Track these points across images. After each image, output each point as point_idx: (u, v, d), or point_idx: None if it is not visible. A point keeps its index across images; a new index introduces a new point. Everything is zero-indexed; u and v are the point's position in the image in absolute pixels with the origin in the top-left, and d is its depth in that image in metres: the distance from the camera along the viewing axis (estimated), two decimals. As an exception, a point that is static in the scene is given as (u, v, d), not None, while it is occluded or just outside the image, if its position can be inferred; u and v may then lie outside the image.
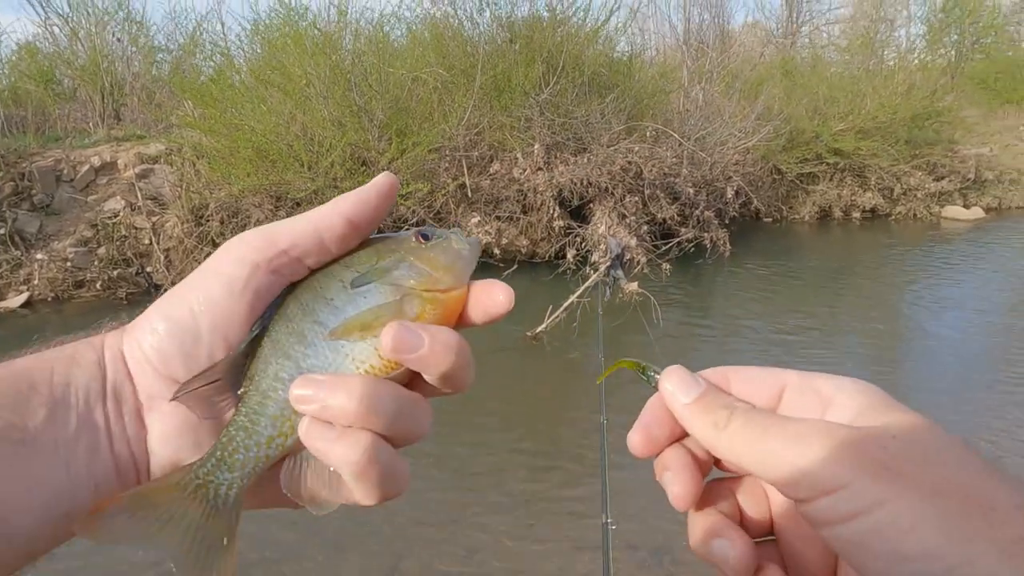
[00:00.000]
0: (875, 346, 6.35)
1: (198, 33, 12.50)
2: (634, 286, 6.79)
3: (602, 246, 7.50)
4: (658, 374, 0.45)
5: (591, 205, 8.35)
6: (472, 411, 5.06)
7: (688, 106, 10.11)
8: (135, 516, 0.40)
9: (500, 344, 6.27)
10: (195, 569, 0.41)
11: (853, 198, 11.85)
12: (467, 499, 3.84)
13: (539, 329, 6.27)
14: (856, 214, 11.89)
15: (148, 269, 8.11)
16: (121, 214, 8.38)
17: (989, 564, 0.32)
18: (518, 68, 8.50)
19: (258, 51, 9.67)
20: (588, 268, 7.35)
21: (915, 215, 11.85)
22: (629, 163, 8.23)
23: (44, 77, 11.27)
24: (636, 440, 0.45)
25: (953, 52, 23.15)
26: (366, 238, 0.48)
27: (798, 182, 11.79)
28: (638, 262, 7.50)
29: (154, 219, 8.40)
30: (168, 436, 0.43)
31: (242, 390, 0.44)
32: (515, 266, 8.43)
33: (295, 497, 0.44)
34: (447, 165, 8.23)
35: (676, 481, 0.43)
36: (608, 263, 7.15)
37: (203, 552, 0.42)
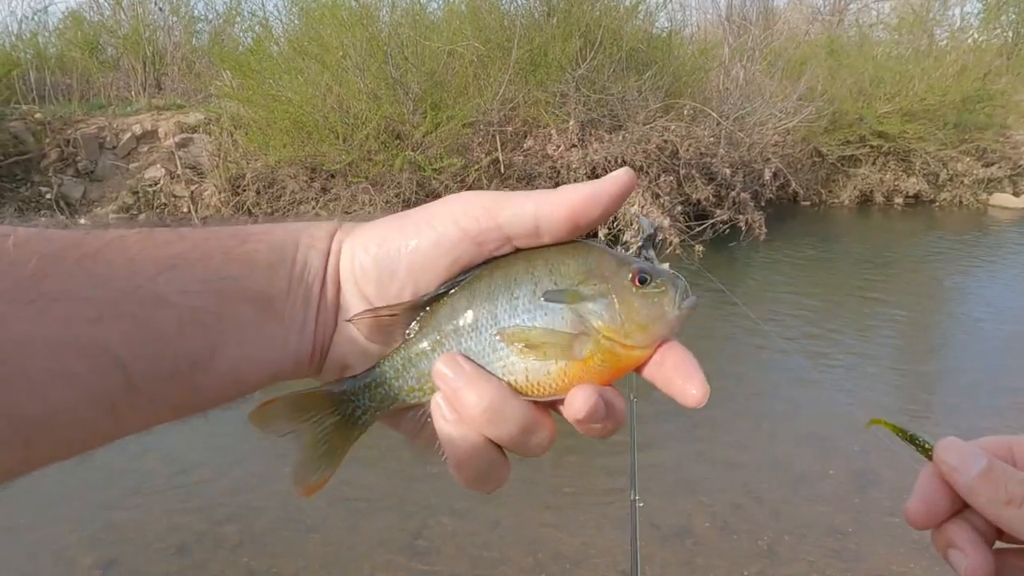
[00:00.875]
0: (911, 338, 6.21)
1: (237, 3, 12.59)
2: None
3: (635, 225, 7.43)
4: (928, 444, 0.45)
5: (625, 184, 8.26)
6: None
7: (728, 84, 9.88)
8: (290, 414, 0.48)
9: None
10: (311, 465, 0.49)
11: (896, 183, 11.51)
12: (492, 472, 3.88)
13: (568, 307, 6.26)
14: (898, 200, 11.56)
15: (187, 237, 8.28)
16: (161, 182, 8.56)
17: None
18: (555, 42, 8.38)
19: (296, 22, 9.70)
20: (620, 247, 7.28)
21: (961, 202, 11.47)
22: (665, 142, 8.10)
23: (89, 45, 11.49)
24: (917, 513, 0.44)
25: (1010, 32, 22.14)
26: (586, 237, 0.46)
27: (839, 165, 11.48)
28: (671, 243, 7.42)
29: (192, 188, 8.57)
30: (347, 340, 0.47)
31: (410, 334, 0.46)
32: (546, 243, 8.43)
33: (411, 439, 0.48)
34: (481, 140, 8.21)
35: (970, 560, 0.42)
36: (640, 243, 7.05)
37: (322, 454, 0.49)
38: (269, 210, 8.59)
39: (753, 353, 5.85)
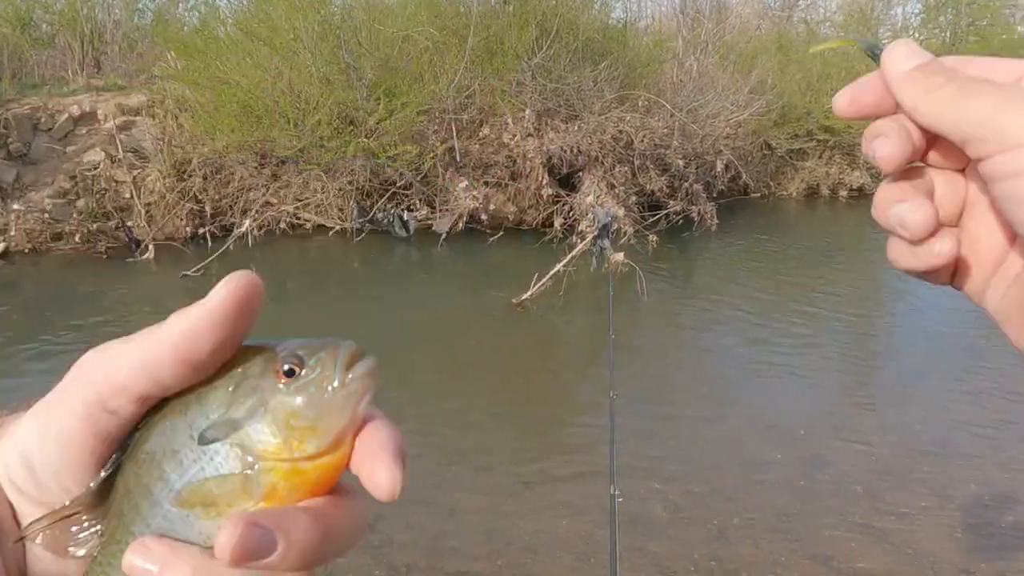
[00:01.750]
0: (854, 324, 6.42)
1: (182, -19, 12.10)
2: (620, 256, 6.80)
3: (590, 215, 7.47)
4: (880, 49, 0.43)
5: (580, 174, 8.30)
6: (455, 378, 5.08)
7: (682, 77, 10.01)
8: None
9: (485, 311, 6.28)
10: None
11: (841, 176, 11.88)
12: (450, 463, 3.87)
13: (524, 297, 6.27)
14: (843, 192, 11.94)
15: (129, 223, 7.96)
16: (101, 166, 8.19)
17: None
18: (511, 31, 8.34)
19: (244, 2, 9.39)
20: (575, 237, 7.33)
21: (902, 195, 11.92)
22: (620, 132, 8.16)
23: (21, 21, 10.87)
24: (842, 99, 0.43)
25: (948, 33, 23.06)
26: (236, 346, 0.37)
27: (787, 158, 11.78)
28: (625, 233, 7.49)
29: (135, 173, 8.23)
30: (44, 562, 0.39)
31: (101, 534, 0.38)
32: (502, 232, 8.41)
33: None
34: (436, 128, 8.12)
35: (887, 143, 0.41)
36: (595, 233, 7.14)
37: None
38: (217, 197, 8.32)
39: (706, 342, 5.97)
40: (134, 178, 8.15)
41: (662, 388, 4.87)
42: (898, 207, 0.41)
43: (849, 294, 7.28)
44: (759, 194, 11.84)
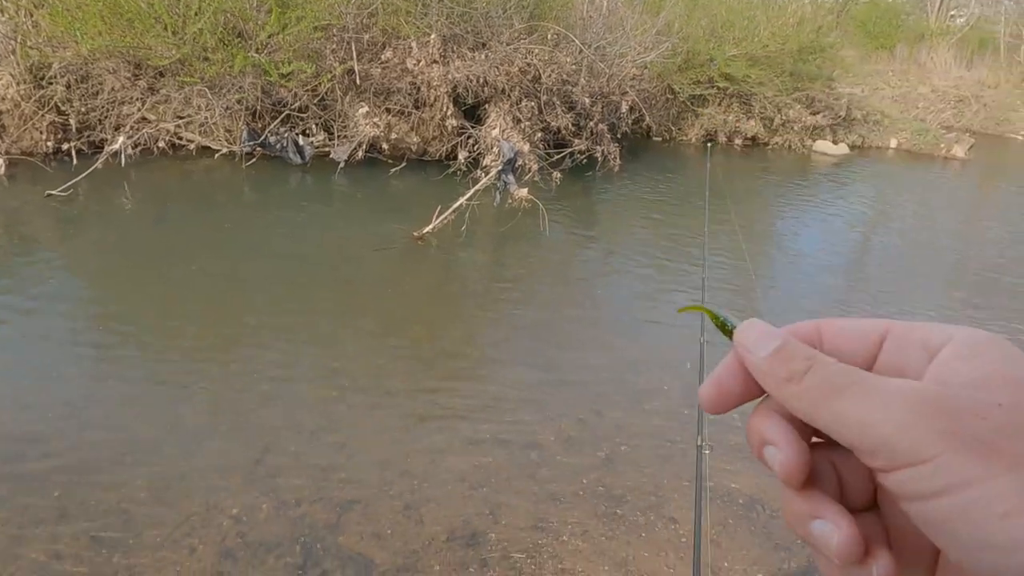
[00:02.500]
0: (742, 262, 6.76)
1: None
2: (524, 192, 6.75)
3: (495, 149, 7.33)
4: (733, 326, 0.39)
5: (486, 106, 8.08)
6: (352, 311, 4.92)
7: (591, 12, 9.85)
8: None
9: (384, 243, 6.08)
10: None
11: (738, 124, 12.28)
12: (341, 396, 3.77)
13: (426, 230, 6.13)
14: (738, 141, 12.37)
15: (-24, 134, 7.02)
16: (-62, 65, 7.12)
17: None
18: (418, -53, 7.84)
19: None
20: (479, 171, 7.19)
21: (790, 146, 12.51)
22: (528, 65, 7.97)
23: None
24: (706, 394, 0.39)
25: (841, -7, 24.06)
26: None
27: (689, 104, 12.02)
28: (530, 169, 7.42)
29: (-18, 76, 7.21)
30: None
31: None
32: (404, 163, 8.11)
33: None
34: (335, 47, 7.60)
35: (779, 454, 0.36)
36: (500, 167, 7.03)
37: None
38: (84, 109, 7.47)
39: (602, 279, 6.09)
40: (-19, 82, 7.15)
41: (556, 324, 4.94)
42: (816, 526, 0.36)
43: (736, 234, 7.62)
44: (661, 138, 12.08)
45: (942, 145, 13.74)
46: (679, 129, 12.26)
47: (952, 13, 26.97)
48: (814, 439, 0.38)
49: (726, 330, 0.40)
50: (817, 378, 0.34)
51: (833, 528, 0.35)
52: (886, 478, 0.33)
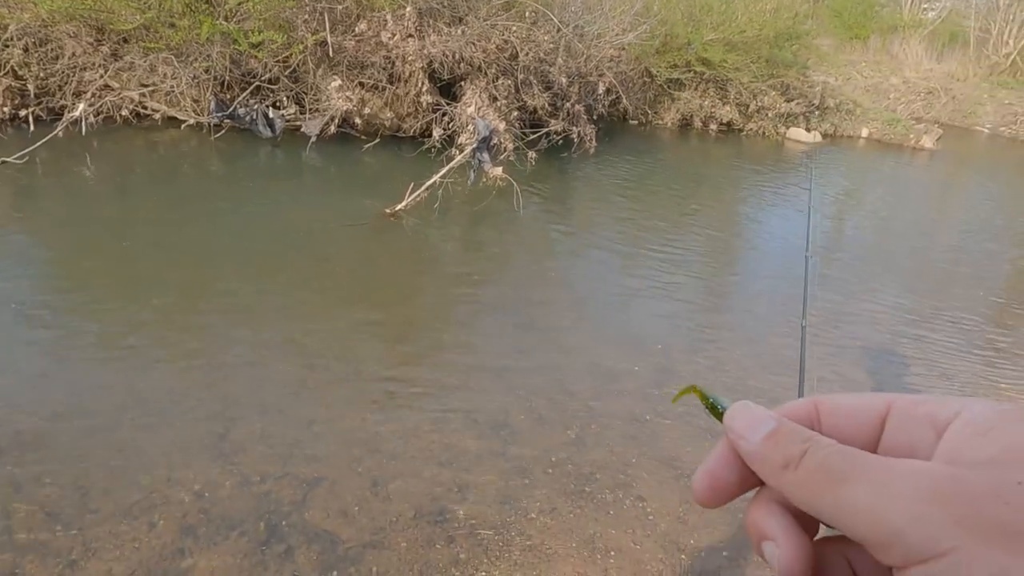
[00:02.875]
0: (713, 249, 6.80)
1: None
2: (499, 171, 6.68)
3: (470, 127, 7.24)
4: (723, 409, 0.37)
5: (462, 84, 7.97)
6: (322, 287, 4.83)
7: (570, -9, 9.74)
8: None
9: (356, 219, 5.98)
10: None
11: (713, 110, 12.32)
12: (311, 372, 3.70)
13: (399, 207, 6.04)
14: (713, 126, 12.42)
15: (-73, 97, 6.71)
16: None
17: None
18: (394, -84, 7.64)
19: None
20: (454, 149, 7.09)
21: (764, 133, 12.60)
22: (505, 42, 7.86)
23: None
24: (699, 487, 0.36)
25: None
26: None
27: (666, 88, 12.01)
28: (505, 148, 7.35)
29: (-67, 36, 6.88)
30: None
31: None
32: (377, 139, 7.98)
33: None
34: (307, 17, 7.40)
35: (783, 550, 0.33)
36: (475, 145, 6.94)
37: None
38: (43, 74, 7.18)
39: (575, 260, 6.08)
40: (-69, 42, 6.82)
41: (528, 304, 4.92)
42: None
43: (709, 221, 7.67)
44: (637, 121, 12.06)
45: (912, 136, 13.96)
46: (655, 112, 12.26)
47: (925, 6, 27.32)
48: (824, 532, 0.35)
49: (717, 413, 0.37)
50: (815, 463, 0.31)
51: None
52: (903, 575, 0.29)
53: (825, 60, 16.19)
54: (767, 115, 12.55)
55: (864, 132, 14.15)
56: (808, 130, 13.03)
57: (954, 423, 0.31)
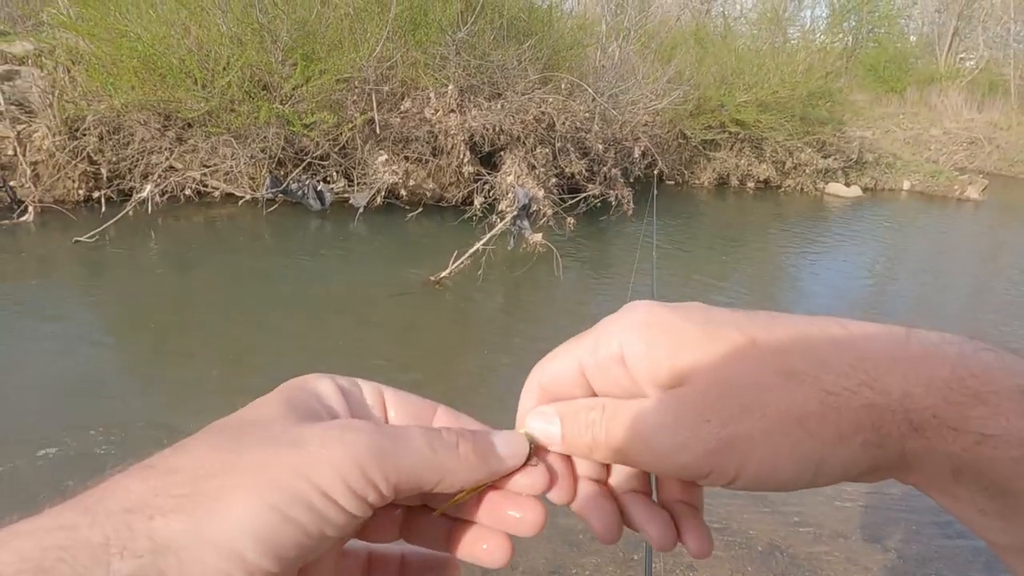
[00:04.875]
0: (755, 304, 6.77)
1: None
2: (539, 237, 6.87)
3: (510, 195, 7.49)
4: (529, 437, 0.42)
5: (502, 153, 8.29)
6: (368, 353, 5.00)
7: (604, 62, 10.14)
8: None
9: (402, 287, 6.19)
10: None
11: (749, 168, 12.43)
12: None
13: (443, 274, 6.24)
14: (750, 184, 12.50)
15: (12, 183, 7.31)
16: (-21, 119, 7.45)
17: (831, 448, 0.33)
18: (435, 2, 8.17)
19: (148, -50, 8.71)
20: (495, 216, 7.33)
21: (802, 189, 12.62)
22: (542, 113, 8.19)
23: None
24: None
25: (850, 37, 24.51)
26: None
27: (701, 148, 12.21)
28: (544, 214, 7.56)
29: (19, 128, 7.54)
30: None
31: None
32: (421, 209, 8.30)
33: None
34: (355, 98, 7.87)
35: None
36: (515, 213, 7.17)
37: None
38: (114, 159, 7.76)
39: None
40: (18, 134, 7.47)
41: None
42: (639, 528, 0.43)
43: (751, 277, 7.67)
44: (673, 182, 12.24)
45: (956, 186, 13.77)
46: (691, 173, 12.42)
47: (961, 56, 27.28)
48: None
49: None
50: (596, 413, 0.39)
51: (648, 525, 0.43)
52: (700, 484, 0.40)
53: (861, 115, 16.25)
54: (804, 171, 12.59)
55: (906, 185, 14.03)
56: (847, 184, 13.00)
57: (631, 363, 0.38)
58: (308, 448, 0.33)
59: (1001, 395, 0.31)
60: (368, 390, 0.43)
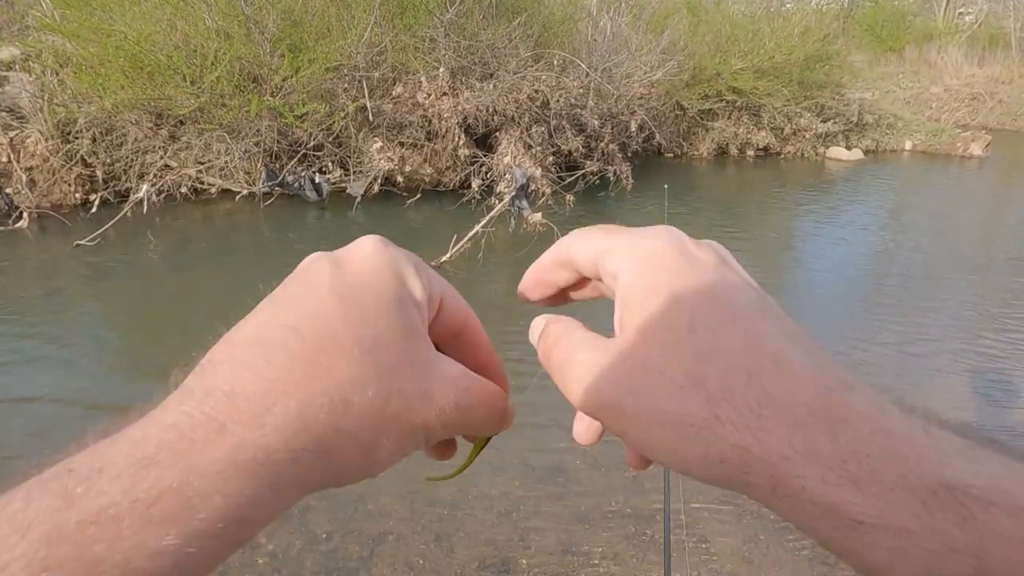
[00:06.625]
0: (763, 274, 6.73)
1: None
2: (538, 217, 6.82)
3: (508, 176, 7.43)
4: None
5: (497, 134, 8.21)
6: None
7: (596, 36, 9.99)
8: None
9: (403, 274, 6.17)
10: None
11: (748, 136, 12.30)
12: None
13: (443, 258, 6.21)
14: (750, 152, 12.38)
15: (8, 190, 7.29)
16: (-30, 127, 7.42)
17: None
18: (422, -16, 8.06)
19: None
20: (493, 198, 7.28)
21: (803, 154, 12.49)
22: (536, 92, 8.10)
23: None
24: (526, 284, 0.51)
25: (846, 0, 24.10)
26: None
27: (698, 119, 12.08)
28: (543, 193, 7.51)
29: (12, 134, 7.51)
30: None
31: None
32: (419, 195, 8.25)
33: None
34: (346, 86, 7.80)
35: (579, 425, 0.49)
36: (513, 193, 7.12)
37: None
38: (109, 160, 7.73)
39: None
40: (11, 140, 7.44)
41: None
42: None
43: (754, 248, 7.61)
44: (672, 154, 12.13)
45: (959, 144, 13.61)
46: (690, 144, 12.31)
47: (960, 11, 26.84)
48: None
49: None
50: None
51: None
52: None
53: (859, 76, 16.03)
54: (804, 136, 12.46)
55: (908, 145, 13.87)
56: (848, 148, 12.86)
57: (621, 296, 0.41)
58: (434, 403, 0.37)
59: (883, 484, 0.29)
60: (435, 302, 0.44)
